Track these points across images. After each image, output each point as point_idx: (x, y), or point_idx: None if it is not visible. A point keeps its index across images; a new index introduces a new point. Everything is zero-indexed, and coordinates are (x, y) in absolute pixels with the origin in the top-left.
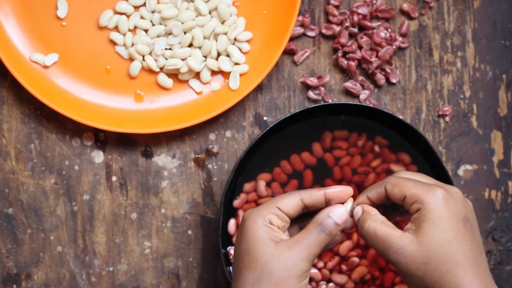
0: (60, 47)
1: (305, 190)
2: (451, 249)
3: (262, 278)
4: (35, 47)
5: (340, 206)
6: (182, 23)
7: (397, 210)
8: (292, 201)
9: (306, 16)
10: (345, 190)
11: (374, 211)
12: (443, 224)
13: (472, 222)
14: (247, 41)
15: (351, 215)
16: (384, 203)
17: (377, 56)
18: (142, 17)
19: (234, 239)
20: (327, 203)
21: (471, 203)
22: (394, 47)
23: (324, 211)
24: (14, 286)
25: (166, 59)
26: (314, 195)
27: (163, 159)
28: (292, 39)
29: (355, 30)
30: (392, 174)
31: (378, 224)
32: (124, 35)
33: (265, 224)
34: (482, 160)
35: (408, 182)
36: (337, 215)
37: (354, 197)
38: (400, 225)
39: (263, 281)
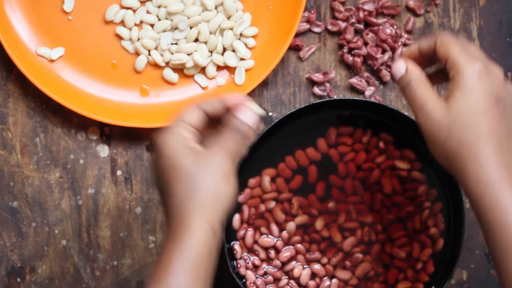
0: (66, 41)
1: (203, 100)
2: (475, 122)
3: (192, 184)
4: (41, 41)
5: (246, 108)
6: (188, 18)
7: (443, 74)
8: (193, 112)
9: (312, 12)
10: (241, 97)
11: (419, 71)
12: (473, 96)
13: (507, 106)
14: (253, 36)
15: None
16: (430, 59)
17: (383, 53)
18: (148, 12)
19: (238, 234)
20: (227, 110)
21: None
22: (399, 43)
23: (232, 116)
24: (18, 279)
25: (172, 53)
26: (212, 102)
27: None
28: (297, 35)
29: (361, 26)
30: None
31: (420, 84)
32: (130, 29)
33: (179, 135)
34: None
35: (455, 46)
36: (245, 116)
37: None
38: None
39: (194, 188)
